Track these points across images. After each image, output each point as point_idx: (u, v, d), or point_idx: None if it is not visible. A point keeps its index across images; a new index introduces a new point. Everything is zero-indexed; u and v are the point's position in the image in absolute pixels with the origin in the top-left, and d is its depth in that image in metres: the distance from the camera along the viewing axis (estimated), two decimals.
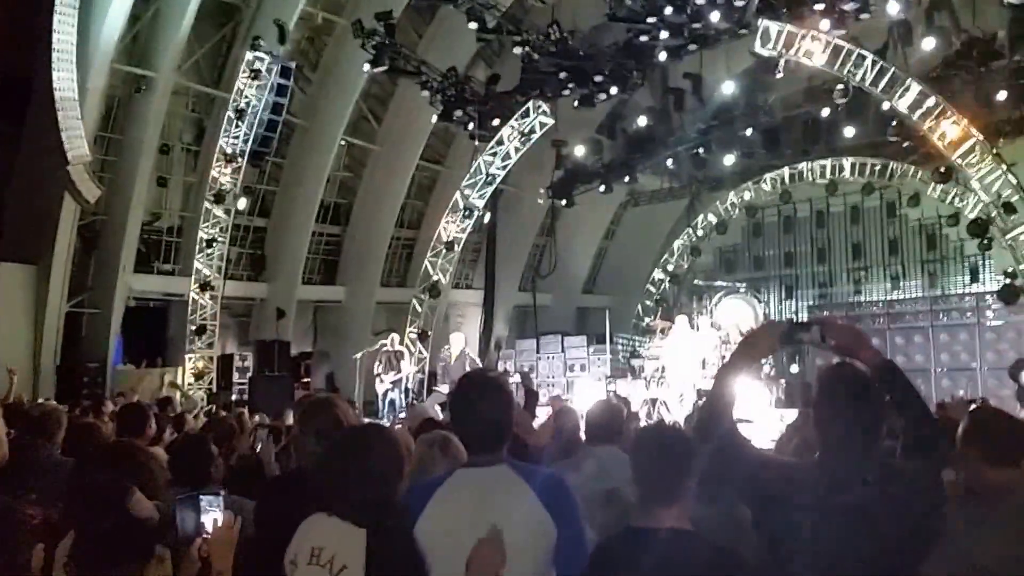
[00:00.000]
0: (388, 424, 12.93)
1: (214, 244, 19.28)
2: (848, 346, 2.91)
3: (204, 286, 19.16)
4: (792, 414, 15.01)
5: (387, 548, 2.63)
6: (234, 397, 18.26)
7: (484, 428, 2.96)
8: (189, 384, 18.69)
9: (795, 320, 3.21)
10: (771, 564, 2.87)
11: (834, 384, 2.90)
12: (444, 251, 22.31)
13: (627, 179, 23.36)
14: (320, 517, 2.79)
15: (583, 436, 5.39)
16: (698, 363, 17.69)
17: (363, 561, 2.61)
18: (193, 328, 19.04)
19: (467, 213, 21.79)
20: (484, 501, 2.79)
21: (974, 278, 21.29)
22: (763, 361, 14.37)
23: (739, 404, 3.13)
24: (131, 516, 2.70)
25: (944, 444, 2.95)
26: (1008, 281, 17.20)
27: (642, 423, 10.65)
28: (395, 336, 19.62)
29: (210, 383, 18.98)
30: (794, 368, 19.70)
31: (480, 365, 19.89)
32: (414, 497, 2.90)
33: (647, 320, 24.10)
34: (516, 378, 20.28)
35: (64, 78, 15.36)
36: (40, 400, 14.03)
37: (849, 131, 19.81)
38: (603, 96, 20.14)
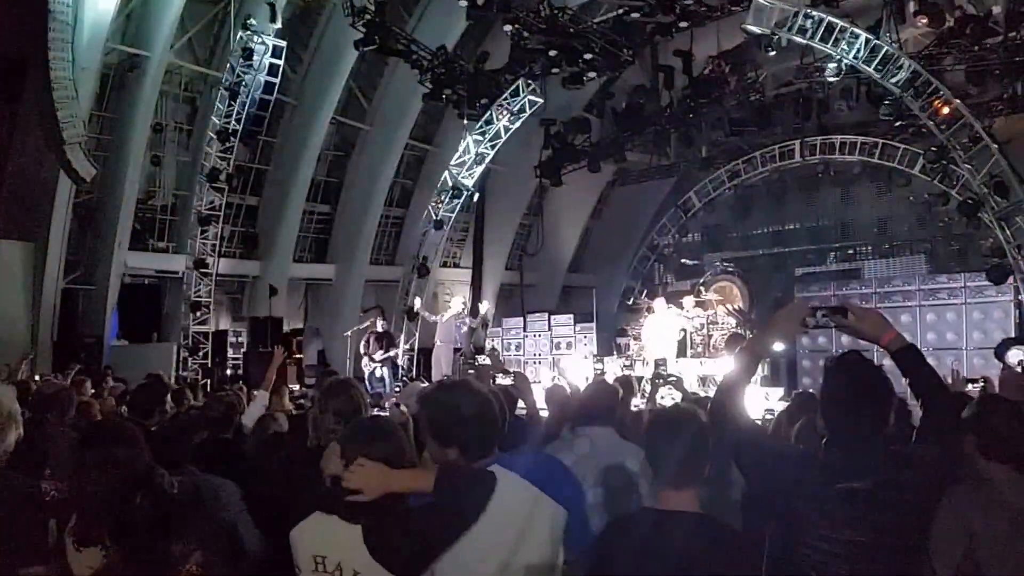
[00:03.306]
0: (384, 398, 13.18)
1: (207, 222, 19.45)
2: (871, 331, 2.92)
3: (198, 263, 19.36)
4: (776, 392, 15.37)
5: (387, 544, 2.63)
6: (228, 372, 18.47)
7: (469, 435, 2.87)
8: (185, 359, 18.88)
9: (818, 304, 3.14)
10: (779, 548, 2.88)
11: (840, 372, 2.92)
12: (433, 230, 22.45)
13: (615, 158, 23.37)
14: (319, 518, 2.78)
15: (573, 415, 5.27)
16: (676, 342, 17.85)
17: (371, 560, 2.61)
18: (188, 305, 19.26)
19: (456, 192, 21.92)
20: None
21: (963, 257, 21.53)
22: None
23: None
24: (163, 493, 2.68)
25: (959, 427, 3.02)
26: (997, 260, 17.40)
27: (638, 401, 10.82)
28: (382, 319, 19.84)
29: (205, 358, 19.17)
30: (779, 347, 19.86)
31: (473, 328, 20.10)
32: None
33: (632, 299, 24.31)
34: (485, 359, 20.48)
35: (59, 58, 15.39)
36: (36, 376, 14.17)
37: (840, 109, 19.93)
38: (592, 74, 20.03)
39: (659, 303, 18.51)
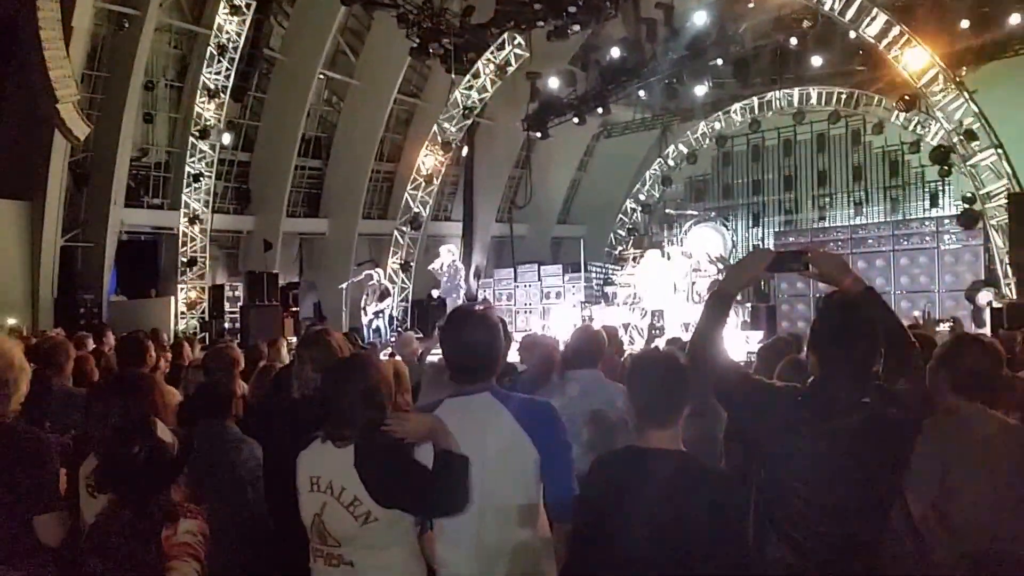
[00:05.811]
0: (379, 348, 13.67)
1: (200, 178, 19.73)
2: (832, 274, 2.98)
3: (192, 219, 19.68)
4: (756, 336, 15.92)
5: (373, 462, 2.82)
6: (227, 326, 18.85)
7: (470, 359, 3.05)
8: (183, 314, 19.29)
9: (783, 249, 3.28)
10: (767, 486, 2.93)
11: (835, 309, 2.96)
12: (423, 184, 22.78)
13: (600, 111, 23.58)
14: (315, 445, 3.04)
15: (562, 361, 5.40)
16: (669, 289, 18.47)
17: (356, 478, 2.83)
18: (184, 260, 19.59)
19: (445, 146, 22.23)
20: (464, 427, 2.87)
21: (934, 203, 21.91)
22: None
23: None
24: (159, 443, 2.74)
25: (922, 365, 3.08)
26: (967, 206, 17.86)
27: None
28: (380, 271, 20.27)
29: (202, 313, 19.58)
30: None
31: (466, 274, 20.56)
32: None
33: (619, 249, 24.75)
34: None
35: (49, 18, 15.57)
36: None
37: (816, 60, 20.19)
38: (577, 28, 20.11)
39: (652, 254, 19.03)
